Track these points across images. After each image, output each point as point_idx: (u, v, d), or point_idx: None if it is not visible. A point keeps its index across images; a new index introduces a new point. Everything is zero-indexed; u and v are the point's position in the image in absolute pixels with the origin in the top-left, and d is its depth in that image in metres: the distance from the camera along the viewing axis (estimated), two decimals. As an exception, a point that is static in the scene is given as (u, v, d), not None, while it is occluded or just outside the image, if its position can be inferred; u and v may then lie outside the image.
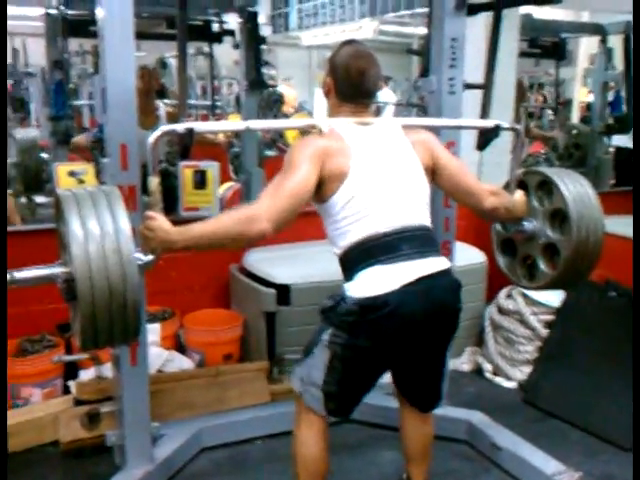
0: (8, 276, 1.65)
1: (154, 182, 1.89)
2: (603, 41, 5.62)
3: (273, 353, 3.26)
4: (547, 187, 2.29)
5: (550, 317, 3.49)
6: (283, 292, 3.20)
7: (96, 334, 1.63)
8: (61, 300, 3.39)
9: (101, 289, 1.57)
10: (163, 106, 4.31)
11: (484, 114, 2.67)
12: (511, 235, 2.42)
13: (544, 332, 3.45)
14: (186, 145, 3.99)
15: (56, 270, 1.69)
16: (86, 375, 3.02)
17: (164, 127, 1.93)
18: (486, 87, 2.71)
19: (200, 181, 3.60)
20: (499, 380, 3.52)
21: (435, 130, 2.33)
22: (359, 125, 2.03)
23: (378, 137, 2.04)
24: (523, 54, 5.33)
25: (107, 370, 2.87)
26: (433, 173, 2.12)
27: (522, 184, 2.35)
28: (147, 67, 4.31)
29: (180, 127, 1.93)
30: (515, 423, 2.89)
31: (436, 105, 2.75)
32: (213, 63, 6.26)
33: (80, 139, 4.40)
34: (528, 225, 2.32)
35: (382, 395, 2.80)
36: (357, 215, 1.94)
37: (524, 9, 4.68)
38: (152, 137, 1.85)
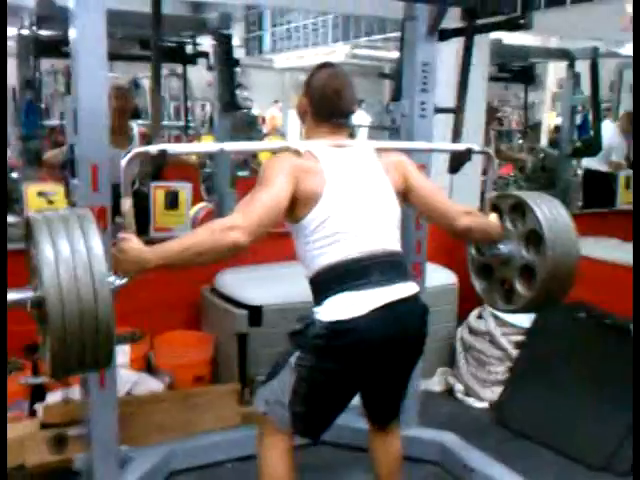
0: None
1: (127, 204, 1.88)
2: (571, 66, 5.74)
3: (244, 375, 3.24)
4: (520, 209, 2.32)
5: (520, 337, 3.52)
6: (255, 313, 3.19)
7: (67, 360, 1.59)
8: (28, 322, 3.34)
9: (72, 314, 1.52)
10: (136, 126, 4.30)
11: (456, 137, 2.70)
12: (487, 260, 2.44)
13: (514, 352, 3.48)
14: (159, 166, 3.97)
15: (26, 295, 1.65)
16: (53, 398, 2.96)
17: (137, 149, 1.93)
18: (457, 111, 2.75)
19: (172, 202, 3.59)
20: (470, 401, 3.53)
21: (408, 153, 2.35)
22: (334, 147, 2.04)
23: (352, 160, 2.05)
24: (493, 78, 5.43)
25: (75, 393, 2.82)
26: (406, 194, 2.14)
27: (495, 207, 2.38)
28: (122, 87, 4.31)
29: (153, 149, 1.93)
30: (487, 444, 2.90)
31: (408, 128, 2.79)
32: (187, 84, 6.27)
33: (52, 155, 4.38)
34: (504, 248, 2.34)
35: (354, 416, 2.78)
36: (329, 239, 1.95)
37: (494, 35, 4.77)
38: (125, 159, 1.84)
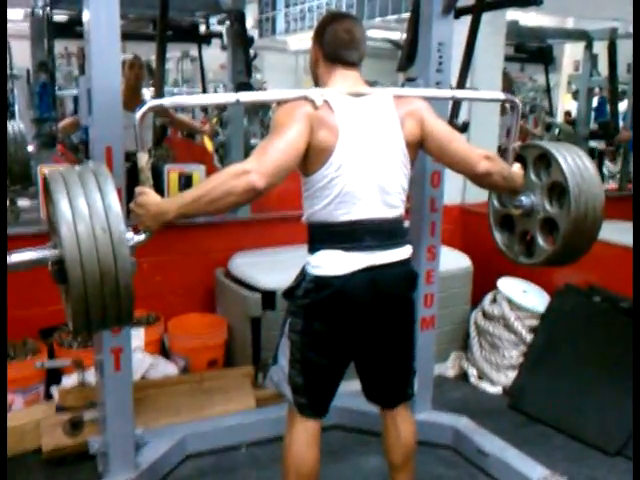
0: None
1: (143, 158, 1.86)
2: (588, 47, 5.66)
3: (258, 358, 3.25)
4: (545, 160, 2.25)
5: (535, 322, 3.50)
6: (268, 297, 3.18)
7: (88, 318, 1.58)
8: (44, 304, 3.36)
9: (92, 272, 1.51)
10: (149, 94, 4.32)
11: (452, 117, 2.67)
12: (509, 211, 2.39)
13: (529, 337, 3.46)
14: (163, 127, 4.00)
15: (46, 253, 1.62)
16: (69, 381, 2.98)
17: (151, 102, 1.89)
18: (459, 88, 2.71)
19: (186, 185, 3.59)
20: (484, 385, 3.52)
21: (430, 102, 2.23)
22: (352, 96, 1.99)
23: (368, 113, 1.99)
24: (509, 59, 5.37)
25: (90, 376, 2.84)
26: (423, 142, 2.08)
27: (519, 158, 2.30)
28: (137, 57, 4.32)
29: (167, 101, 1.90)
30: (500, 428, 2.89)
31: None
32: (202, 64, 6.25)
33: (68, 123, 4.41)
34: (526, 200, 2.29)
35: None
36: (334, 200, 1.95)
37: (511, 15, 4.70)
38: (140, 112, 1.81)
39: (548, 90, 7.03)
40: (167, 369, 3.23)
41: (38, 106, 4.39)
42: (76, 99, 6.27)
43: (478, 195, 4.32)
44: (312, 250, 2.02)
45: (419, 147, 2.09)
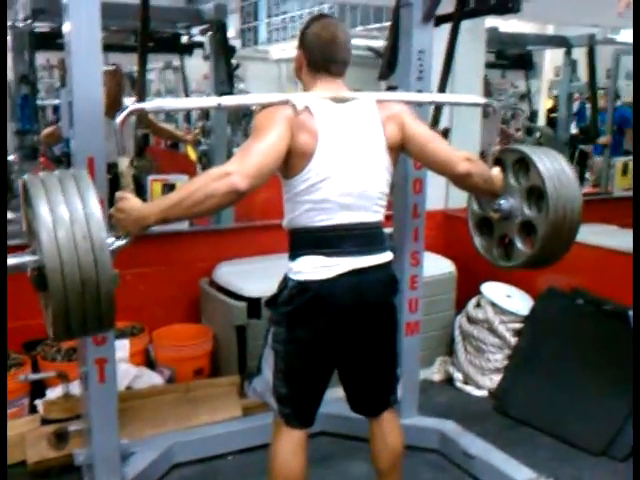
0: None
1: (124, 163, 1.85)
2: (568, 53, 5.73)
3: (244, 367, 3.24)
4: (524, 164, 2.27)
5: (519, 325, 3.52)
6: (254, 305, 3.18)
7: (69, 324, 1.56)
8: (27, 318, 3.34)
9: (72, 278, 1.50)
10: (131, 102, 4.33)
11: (434, 125, 2.69)
12: (487, 214, 2.40)
13: (513, 340, 3.48)
14: (145, 136, 3.99)
15: (25, 259, 1.61)
16: (53, 393, 2.96)
17: (132, 106, 1.89)
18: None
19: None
20: (470, 389, 3.54)
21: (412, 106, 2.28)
22: (333, 102, 1.99)
23: (349, 118, 2.00)
24: (491, 65, 5.42)
25: (75, 388, 2.83)
26: (404, 145, 2.09)
27: (498, 162, 2.32)
28: (118, 66, 4.32)
29: (149, 105, 1.90)
30: (486, 431, 2.91)
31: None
32: (184, 74, 6.26)
33: (48, 132, 4.39)
34: (505, 203, 2.30)
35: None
36: (315, 204, 1.96)
37: (490, 22, 4.75)
38: (121, 116, 1.81)
39: (529, 96, 7.12)
40: (152, 379, 3.22)
41: (20, 118, 4.38)
42: (56, 109, 6.24)
43: (461, 200, 4.37)
44: (293, 256, 2.02)
45: (400, 150, 2.10)
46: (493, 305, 3.56)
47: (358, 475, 2.71)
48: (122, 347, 3.12)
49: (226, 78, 4.35)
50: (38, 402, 2.97)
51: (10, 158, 4.49)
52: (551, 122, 8.00)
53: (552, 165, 2.20)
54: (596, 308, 3.27)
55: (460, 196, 4.45)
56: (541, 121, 9.60)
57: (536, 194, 2.23)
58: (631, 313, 2.98)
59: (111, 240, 1.69)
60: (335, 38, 2.03)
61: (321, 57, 2.03)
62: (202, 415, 3.00)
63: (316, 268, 1.97)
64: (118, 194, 1.79)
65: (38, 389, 3.04)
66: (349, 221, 2.00)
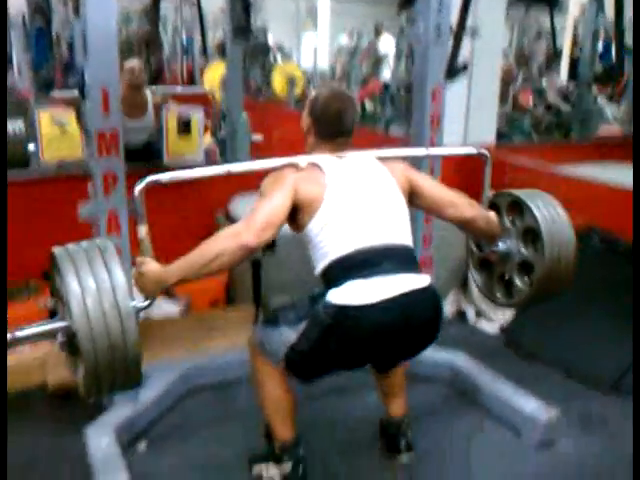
0: (9, 336, 1.68)
1: (143, 230, 1.94)
2: (594, -12, 5.56)
3: (259, 299, 3.29)
4: (518, 207, 2.36)
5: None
6: (268, 239, 3.20)
7: (99, 385, 1.71)
8: (46, 246, 3.39)
9: (103, 346, 1.62)
10: (150, 96, 4.32)
11: (453, 58, 2.64)
12: (486, 255, 2.49)
13: (527, 277, 3.49)
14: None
15: (57, 325, 1.72)
16: (72, 320, 3.03)
17: (149, 178, 1.93)
18: (457, 35, 2.67)
19: (184, 128, 3.58)
20: (482, 323, 3.58)
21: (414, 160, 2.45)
22: (337, 158, 2.09)
23: (356, 166, 2.10)
24: (514, 0, 5.28)
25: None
26: (412, 195, 2.18)
27: (493, 206, 2.41)
28: (138, 62, 4.30)
29: (164, 176, 1.96)
30: (497, 365, 2.93)
31: (422, 54, 2.74)
32: (200, 9, 6.17)
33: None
34: (502, 245, 2.38)
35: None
36: (335, 237, 1.98)
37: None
38: (138, 188, 1.90)
39: (553, 33, 6.92)
40: (169, 309, 3.28)
41: (34, 51, 4.36)
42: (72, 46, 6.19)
43: (480, 137, 4.34)
44: (328, 290, 1.97)
45: (409, 199, 2.16)
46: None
47: (372, 404, 2.76)
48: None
49: (242, 12, 4.28)
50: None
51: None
52: (574, 64, 7.81)
53: (546, 208, 2.28)
54: (610, 247, 3.27)
55: (479, 133, 4.43)
56: (564, 61, 9.40)
57: (531, 235, 2.31)
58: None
59: (135, 302, 1.80)
60: (343, 112, 2.11)
61: (328, 130, 2.13)
62: (217, 344, 3.06)
63: (355, 293, 1.92)
64: (139, 259, 1.90)
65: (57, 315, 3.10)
66: (380, 242, 2.00)
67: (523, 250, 2.34)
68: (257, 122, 4.70)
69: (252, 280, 3.28)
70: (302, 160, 2.08)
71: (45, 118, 3.28)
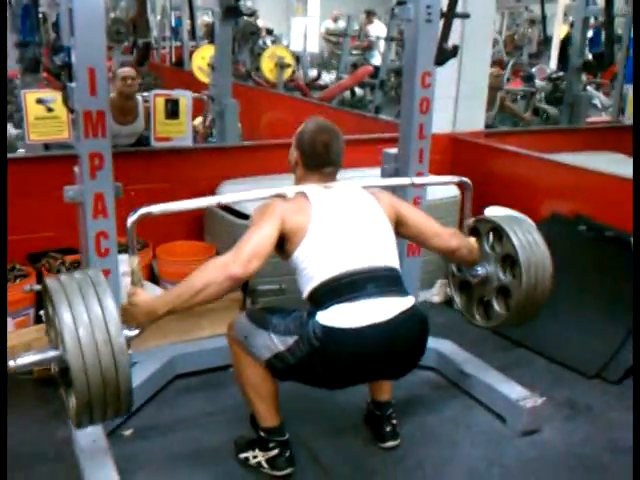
0: (11, 363, 1.74)
1: (134, 261, 2.00)
2: (585, -26, 5.53)
3: (246, 284, 3.27)
4: (497, 234, 2.46)
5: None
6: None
7: (91, 416, 1.75)
8: (33, 230, 3.36)
9: (95, 380, 1.66)
10: (141, 102, 4.28)
11: (442, 41, 2.62)
12: (466, 278, 2.59)
13: (515, 265, 3.50)
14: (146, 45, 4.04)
15: (49, 354, 1.76)
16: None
17: (141, 211, 2.00)
18: (448, 15, 2.64)
19: (172, 111, 3.55)
20: (469, 312, 3.58)
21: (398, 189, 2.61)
22: (324, 188, 2.14)
23: (342, 195, 2.15)
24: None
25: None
26: (398, 224, 2.25)
27: (474, 231, 2.54)
28: (131, 70, 4.26)
29: (155, 208, 2.02)
30: (483, 352, 2.96)
31: (413, 35, 2.72)
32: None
33: None
34: (481, 269, 2.51)
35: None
36: (320, 261, 2.02)
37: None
38: (130, 220, 1.96)
39: (543, 20, 6.91)
40: (156, 294, 3.25)
41: (20, 30, 4.28)
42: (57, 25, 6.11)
43: (469, 124, 4.33)
44: (314, 313, 2.00)
45: (395, 228, 2.22)
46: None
47: (359, 387, 2.77)
48: (126, 262, 3.13)
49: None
50: (43, 312, 3.02)
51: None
52: (564, 51, 7.80)
53: (524, 235, 2.41)
54: (598, 234, 3.28)
55: (468, 120, 4.42)
56: (554, 49, 9.40)
57: (510, 261, 2.43)
58: (632, 240, 2.98)
59: (125, 331, 1.83)
60: (329, 144, 2.16)
61: (315, 161, 2.18)
62: (204, 329, 3.06)
63: (342, 316, 1.96)
64: (129, 290, 1.96)
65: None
66: (366, 265, 2.04)
67: (501, 275, 2.47)
68: (246, 106, 4.68)
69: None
70: (290, 190, 2.14)
71: (31, 99, 3.24)
